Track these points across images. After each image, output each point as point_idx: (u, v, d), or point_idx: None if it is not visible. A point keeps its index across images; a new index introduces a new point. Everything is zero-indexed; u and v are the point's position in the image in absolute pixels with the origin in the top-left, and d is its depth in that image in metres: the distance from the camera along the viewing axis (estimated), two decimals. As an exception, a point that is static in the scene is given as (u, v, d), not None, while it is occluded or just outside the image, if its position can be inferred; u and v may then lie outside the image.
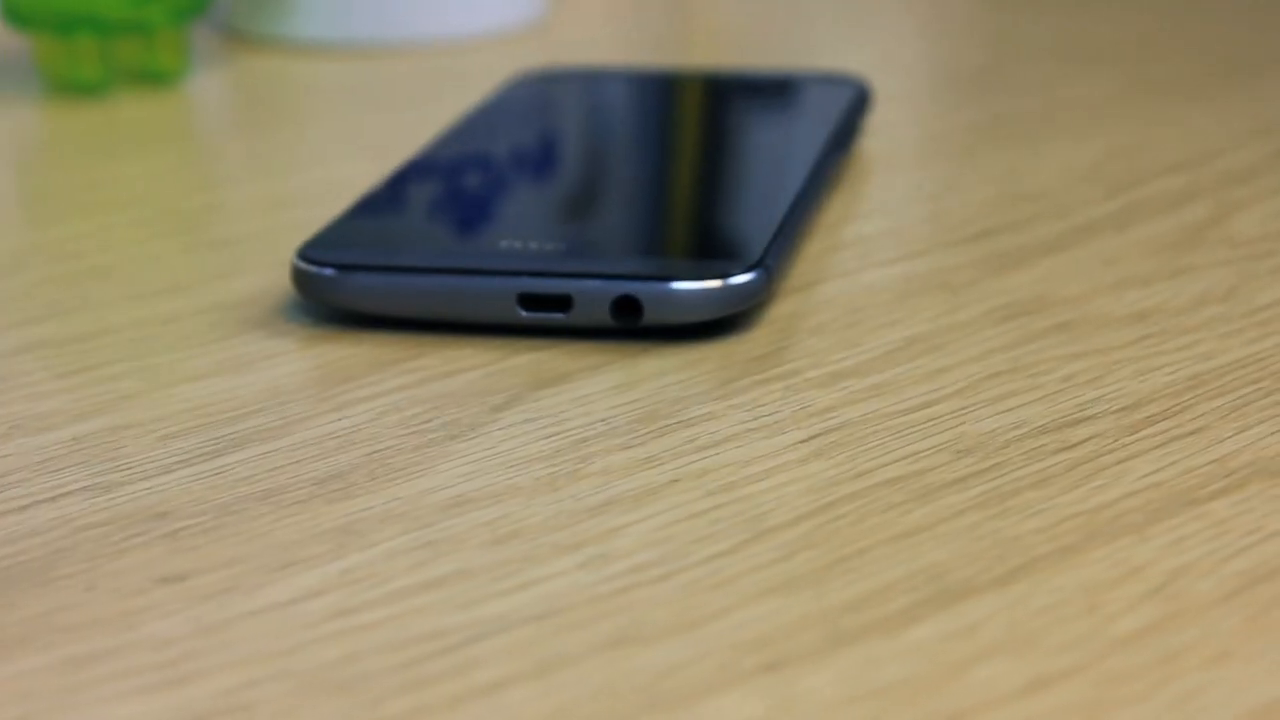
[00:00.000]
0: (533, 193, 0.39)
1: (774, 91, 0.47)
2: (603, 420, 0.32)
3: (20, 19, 0.52)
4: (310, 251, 0.36)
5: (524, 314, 0.35)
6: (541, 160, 0.41)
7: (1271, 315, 0.36)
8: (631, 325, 0.35)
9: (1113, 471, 0.30)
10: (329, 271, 0.35)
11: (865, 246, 0.40)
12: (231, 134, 0.49)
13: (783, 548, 0.28)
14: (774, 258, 0.36)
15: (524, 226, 0.37)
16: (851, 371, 0.34)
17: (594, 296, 0.35)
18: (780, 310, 0.36)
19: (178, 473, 0.30)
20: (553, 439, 0.31)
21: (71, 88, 0.52)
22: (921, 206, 0.42)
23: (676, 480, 0.30)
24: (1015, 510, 0.29)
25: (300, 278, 0.36)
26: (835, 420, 0.32)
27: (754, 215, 0.38)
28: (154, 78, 0.53)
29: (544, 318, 0.35)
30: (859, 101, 0.46)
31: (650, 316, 0.34)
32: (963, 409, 0.32)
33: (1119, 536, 0.28)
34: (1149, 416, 0.32)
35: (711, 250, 0.36)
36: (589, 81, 0.48)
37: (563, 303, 0.35)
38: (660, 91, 0.47)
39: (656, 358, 0.34)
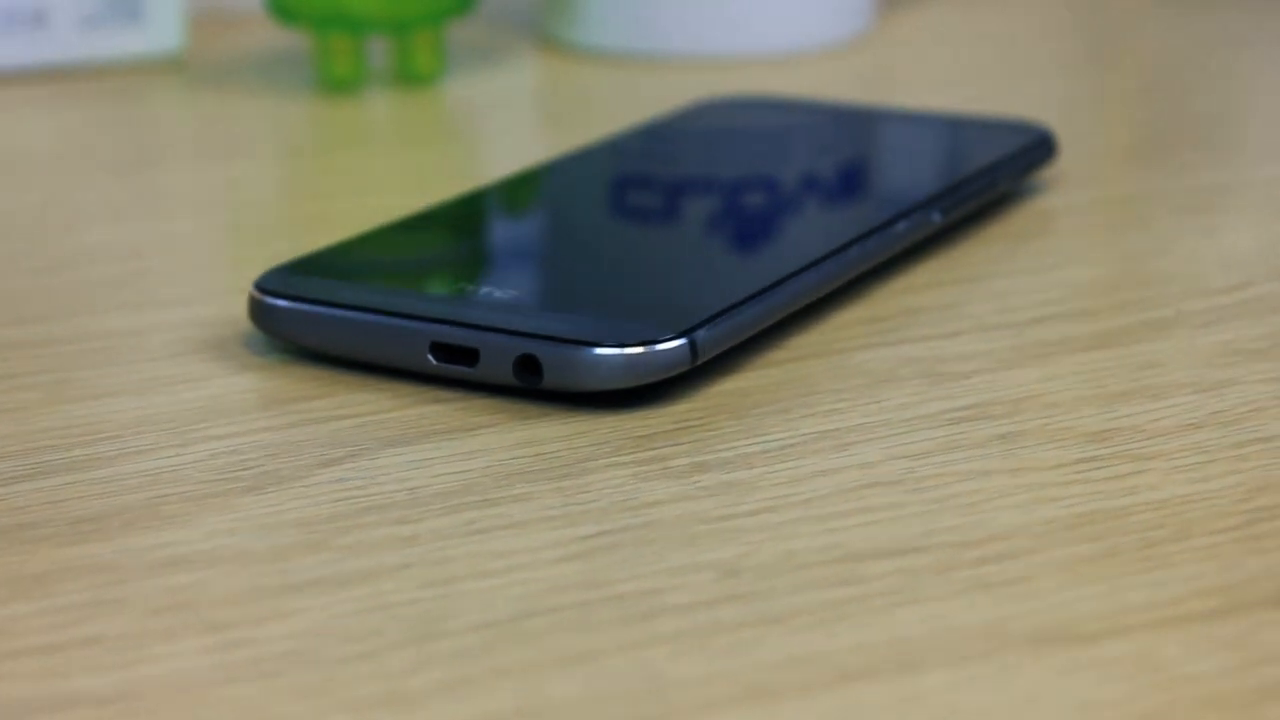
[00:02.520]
0: (538, 238, 0.37)
1: (914, 137, 0.43)
2: (411, 490, 0.30)
3: (284, 13, 0.53)
4: (267, 280, 0.35)
5: (434, 363, 0.33)
6: (585, 199, 0.39)
7: (1260, 450, 0.30)
8: (535, 386, 0.32)
9: (869, 618, 0.26)
10: (279, 302, 0.34)
11: (900, 321, 0.36)
12: (448, 141, 0.48)
13: (425, 658, 0.25)
14: (716, 327, 0.33)
15: (495, 273, 0.35)
16: (723, 463, 0.30)
17: (498, 352, 0.32)
18: (729, 384, 0.33)
19: (-36, 495, 0.30)
20: (342, 504, 0.29)
21: (330, 84, 0.53)
22: (1008, 281, 0.38)
23: (408, 566, 0.27)
24: (711, 650, 0.25)
25: (251, 305, 0.35)
26: (641, 519, 0.29)
27: (740, 277, 0.34)
28: (411, 78, 0.53)
29: (454, 369, 0.33)
30: (1017, 154, 0.42)
31: (551, 380, 0.32)
32: (790, 521, 0.28)
33: (784, 699, 0.24)
34: (981, 557, 0.27)
35: (649, 313, 0.33)
36: (745, 113, 0.45)
37: (470, 356, 0.33)
38: (791, 132, 0.43)
39: (543, 425, 0.32)
